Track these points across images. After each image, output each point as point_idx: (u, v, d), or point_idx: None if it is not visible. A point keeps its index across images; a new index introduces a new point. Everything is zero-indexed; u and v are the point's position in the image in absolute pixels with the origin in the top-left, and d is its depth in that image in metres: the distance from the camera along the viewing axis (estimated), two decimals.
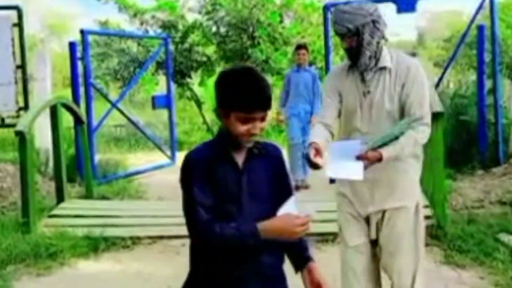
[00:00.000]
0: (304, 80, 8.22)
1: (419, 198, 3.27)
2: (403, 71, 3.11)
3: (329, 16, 8.48)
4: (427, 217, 5.70)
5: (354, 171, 2.97)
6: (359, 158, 2.98)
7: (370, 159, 2.99)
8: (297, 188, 7.91)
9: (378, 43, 3.11)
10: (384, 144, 3.01)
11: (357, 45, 3.09)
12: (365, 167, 2.99)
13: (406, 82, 3.10)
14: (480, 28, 8.25)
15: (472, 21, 8.52)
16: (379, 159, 3.00)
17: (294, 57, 8.63)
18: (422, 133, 3.12)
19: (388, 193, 3.18)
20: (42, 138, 8.39)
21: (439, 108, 5.67)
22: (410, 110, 3.09)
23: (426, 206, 6.03)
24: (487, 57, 8.30)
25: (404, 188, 3.21)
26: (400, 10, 7.95)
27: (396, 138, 3.02)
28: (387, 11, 11.46)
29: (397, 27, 15.70)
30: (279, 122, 9.16)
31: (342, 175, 3.07)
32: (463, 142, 8.31)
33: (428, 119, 3.14)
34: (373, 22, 3.06)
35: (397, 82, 3.11)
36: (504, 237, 5.21)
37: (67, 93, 9.15)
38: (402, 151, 3.07)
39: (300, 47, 8.48)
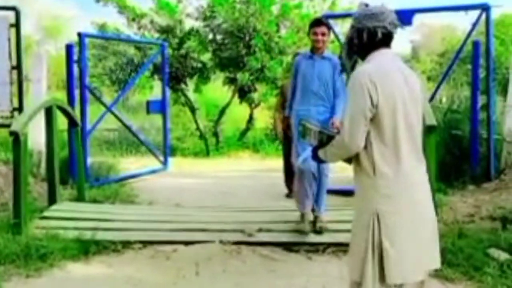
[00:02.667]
0: (319, 72, 5.84)
1: (361, 210, 3.06)
2: None
3: None
4: None
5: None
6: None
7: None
8: (314, 224, 6.11)
9: (353, 46, 3.14)
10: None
11: None
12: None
13: None
14: (476, 44, 8.32)
15: (468, 36, 8.60)
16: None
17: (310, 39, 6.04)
18: (335, 143, 3.06)
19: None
20: (35, 139, 8.38)
21: (432, 121, 5.72)
22: None
23: None
24: (481, 73, 8.37)
25: (356, 202, 3.15)
26: None
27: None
28: None
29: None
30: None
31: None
32: (455, 157, 8.37)
33: (342, 132, 3.00)
34: (356, 27, 3.11)
35: None
36: (494, 252, 5.24)
37: (61, 95, 9.15)
38: (325, 154, 3.15)
39: (319, 22, 5.87)
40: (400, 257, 2.94)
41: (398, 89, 2.97)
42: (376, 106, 2.91)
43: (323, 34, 5.77)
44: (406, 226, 2.97)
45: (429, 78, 23.11)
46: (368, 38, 3.07)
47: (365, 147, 2.97)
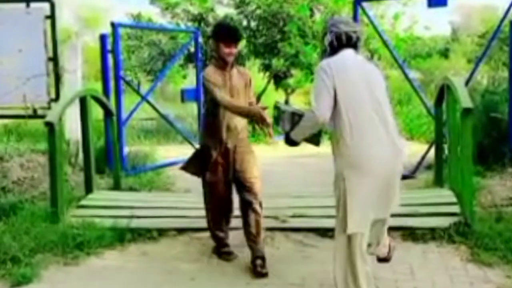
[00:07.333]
0: None
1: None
2: None
3: (359, 10, 8.43)
4: (454, 214, 5.68)
5: None
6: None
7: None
8: None
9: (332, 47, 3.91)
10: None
11: None
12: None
13: None
14: None
15: (504, 16, 8.36)
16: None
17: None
18: (305, 117, 3.77)
19: None
20: (73, 129, 8.49)
21: (467, 104, 5.59)
22: None
23: (453, 203, 5.99)
24: None
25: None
26: (430, 4, 7.85)
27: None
28: (419, 4, 11.40)
29: (429, 21, 15.46)
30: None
31: None
32: (494, 139, 8.18)
33: (312, 107, 3.67)
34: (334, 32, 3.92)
35: None
36: None
37: (99, 86, 9.24)
38: (296, 133, 3.89)
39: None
40: (356, 211, 3.66)
41: (354, 74, 3.71)
42: (334, 85, 3.63)
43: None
44: (365, 188, 3.65)
45: (469, 60, 22.66)
46: (346, 40, 3.86)
47: (335, 124, 3.68)
